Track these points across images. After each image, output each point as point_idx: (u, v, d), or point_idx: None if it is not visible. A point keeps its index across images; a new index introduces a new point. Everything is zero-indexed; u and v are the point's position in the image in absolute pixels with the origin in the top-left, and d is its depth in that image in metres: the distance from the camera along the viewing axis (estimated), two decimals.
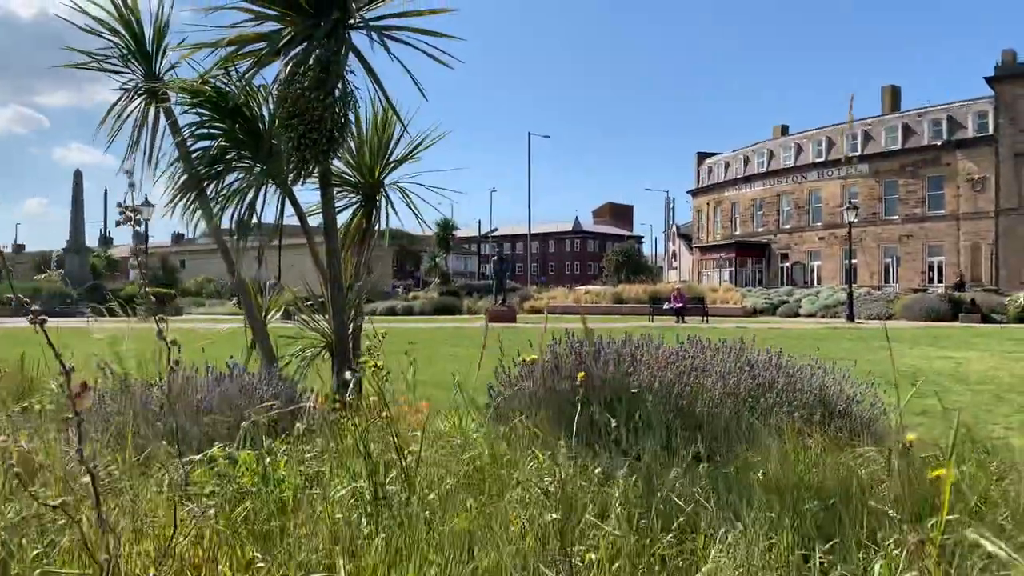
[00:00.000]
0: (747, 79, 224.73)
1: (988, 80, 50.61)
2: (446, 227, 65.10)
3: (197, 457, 2.55)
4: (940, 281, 50.40)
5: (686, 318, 34.64)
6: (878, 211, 57.08)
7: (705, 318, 34.94)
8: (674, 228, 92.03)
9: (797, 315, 41.86)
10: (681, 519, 2.65)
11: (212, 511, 2.20)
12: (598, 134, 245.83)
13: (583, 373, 3.37)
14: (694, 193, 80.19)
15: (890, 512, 2.47)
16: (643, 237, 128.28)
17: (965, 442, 4.71)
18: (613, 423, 3.58)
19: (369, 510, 2.34)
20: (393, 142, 6.38)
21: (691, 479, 3.15)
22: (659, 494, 2.95)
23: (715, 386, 5.10)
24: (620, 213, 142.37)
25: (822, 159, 62.06)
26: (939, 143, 53.99)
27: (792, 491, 2.98)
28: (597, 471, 2.87)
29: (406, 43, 5.31)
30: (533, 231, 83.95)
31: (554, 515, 2.22)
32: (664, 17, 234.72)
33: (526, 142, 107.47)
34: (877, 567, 1.96)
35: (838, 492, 3.01)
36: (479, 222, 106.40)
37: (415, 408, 4.84)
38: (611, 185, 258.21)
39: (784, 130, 71.36)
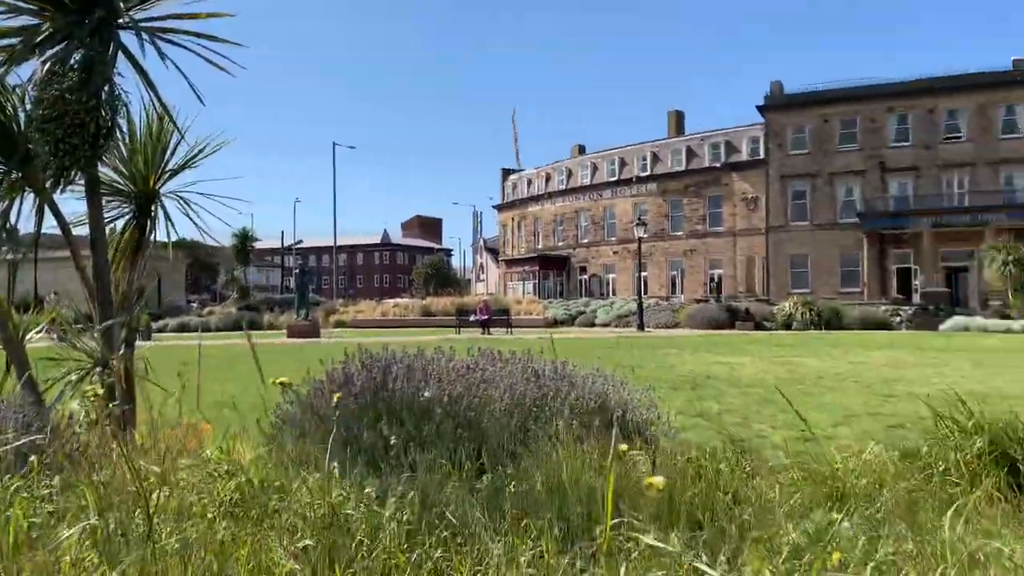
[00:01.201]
0: (548, 93, 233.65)
1: (759, 108, 55.94)
2: (245, 238, 62.04)
3: None
4: (720, 292, 54.93)
5: (492, 330, 35.35)
6: (666, 227, 61.35)
7: (509, 329, 35.85)
8: (481, 242, 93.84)
9: (594, 324, 44.04)
10: (447, 533, 2.67)
11: None
12: (408, 146, 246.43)
13: (338, 395, 3.32)
14: (500, 208, 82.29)
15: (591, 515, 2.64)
16: (452, 250, 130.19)
17: (726, 442, 5.15)
18: (393, 440, 3.56)
19: (104, 549, 2.16)
20: (170, 150, 6.00)
21: (467, 492, 3.19)
22: (434, 510, 2.96)
23: (503, 397, 5.22)
24: (429, 226, 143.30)
25: (615, 178, 65.81)
26: (718, 165, 59.01)
27: (560, 498, 3.10)
28: (367, 491, 2.84)
29: (182, 47, 5.03)
30: (341, 243, 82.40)
31: (308, 541, 2.17)
32: (469, 30, 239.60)
33: (332, 152, 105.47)
34: (623, 570, 2.09)
35: (603, 497, 3.16)
36: (282, 233, 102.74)
37: (195, 433, 4.58)
38: (420, 198, 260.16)
39: (582, 149, 75.17)
